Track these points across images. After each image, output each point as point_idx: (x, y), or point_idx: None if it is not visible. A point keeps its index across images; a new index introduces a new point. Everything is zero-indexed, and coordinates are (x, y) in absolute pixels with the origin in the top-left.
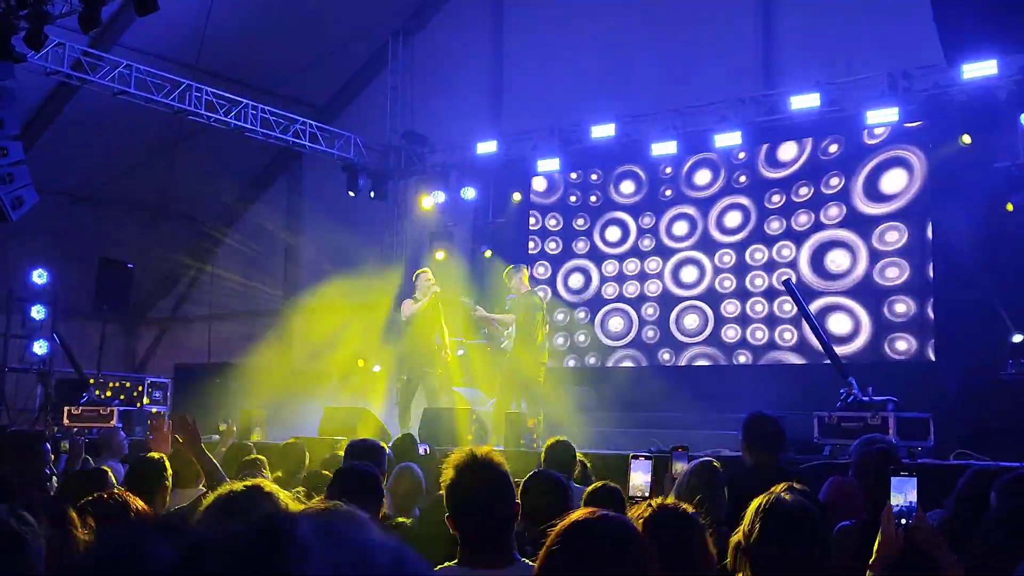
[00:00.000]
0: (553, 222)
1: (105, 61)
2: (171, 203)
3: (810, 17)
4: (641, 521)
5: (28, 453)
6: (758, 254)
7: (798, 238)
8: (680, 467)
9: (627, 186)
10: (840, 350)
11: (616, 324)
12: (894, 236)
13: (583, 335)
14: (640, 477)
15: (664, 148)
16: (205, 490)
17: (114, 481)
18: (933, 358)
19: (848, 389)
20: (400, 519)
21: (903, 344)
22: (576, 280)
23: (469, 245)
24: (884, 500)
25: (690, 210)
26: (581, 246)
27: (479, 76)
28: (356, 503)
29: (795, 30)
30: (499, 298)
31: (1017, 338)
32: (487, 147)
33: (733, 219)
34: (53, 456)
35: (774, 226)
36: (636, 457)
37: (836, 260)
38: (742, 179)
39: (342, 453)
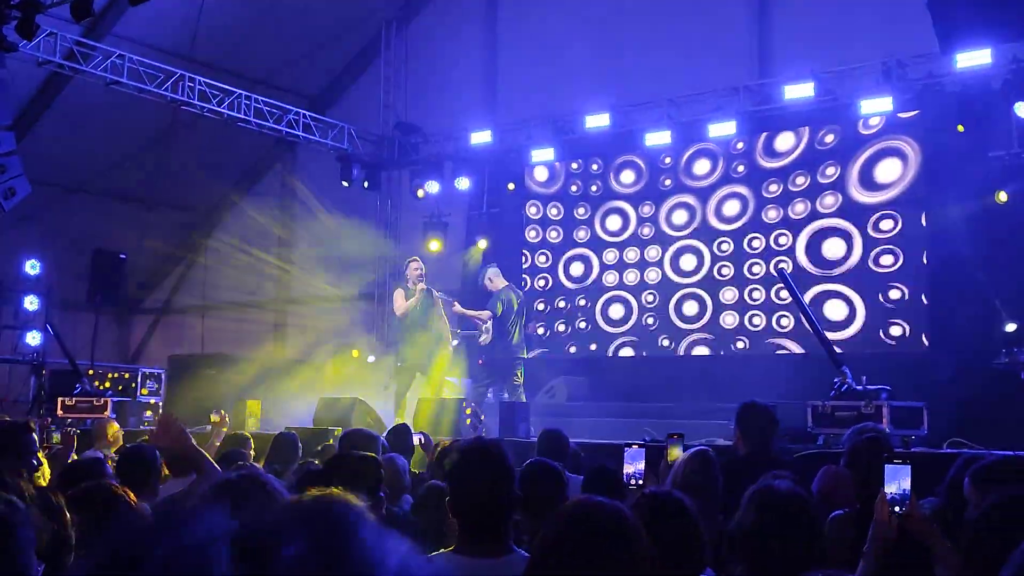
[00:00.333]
0: (555, 211)
1: (98, 51)
2: (164, 193)
3: (804, 6)
4: (635, 510)
5: (13, 444)
6: (756, 242)
7: (795, 226)
8: (676, 455)
9: (627, 176)
10: (836, 336)
11: (617, 311)
12: (889, 224)
13: (583, 322)
14: (634, 466)
15: (658, 138)
16: (195, 476)
17: (111, 471)
18: (927, 343)
19: (842, 378)
20: (393, 508)
21: (897, 330)
22: (577, 268)
23: (463, 235)
24: (877, 488)
25: (689, 199)
26: (582, 235)
27: (473, 66)
28: (355, 490)
29: (789, 19)
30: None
31: (1010, 327)
32: (481, 137)
33: (731, 208)
34: (46, 447)
35: (771, 215)
36: (630, 446)
37: (832, 248)
38: (740, 169)
39: (335, 443)
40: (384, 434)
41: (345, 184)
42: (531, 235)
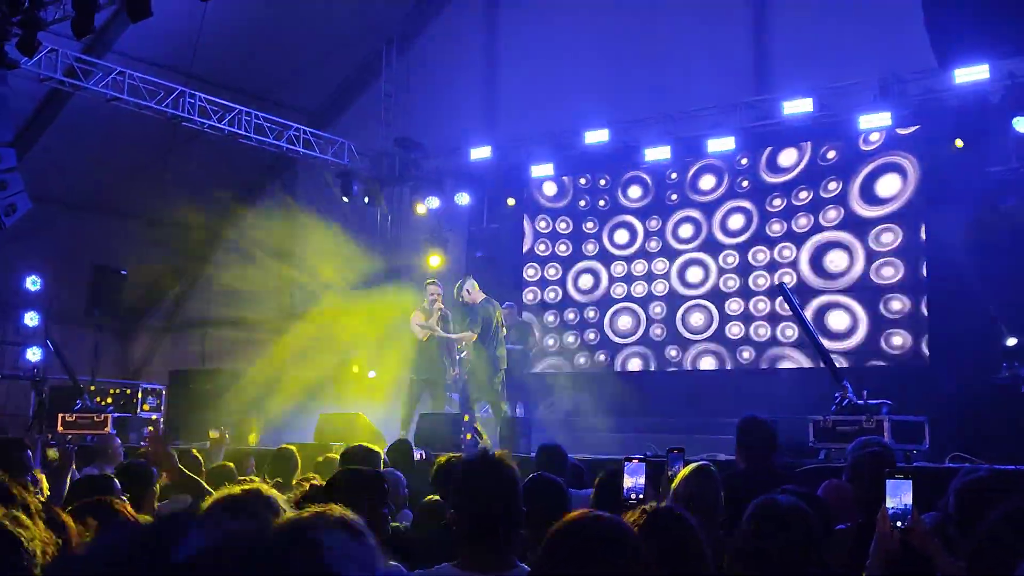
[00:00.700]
0: (563, 225)
1: (98, 67)
2: (165, 209)
3: (802, 22)
4: (635, 524)
5: (7, 460)
6: (760, 255)
7: (798, 240)
8: (677, 470)
9: (634, 191)
10: (839, 345)
11: (625, 322)
12: (889, 237)
13: (592, 333)
14: (635, 480)
15: (658, 153)
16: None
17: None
18: (927, 352)
19: (843, 393)
20: (393, 524)
21: (898, 339)
22: (586, 281)
23: (463, 250)
24: (879, 503)
25: (695, 213)
26: (591, 248)
27: (473, 82)
28: (357, 506)
29: (787, 35)
30: None
31: (1011, 342)
32: (481, 153)
33: (736, 222)
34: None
35: (775, 228)
36: (630, 460)
37: (835, 260)
38: (744, 184)
39: (335, 457)
40: (385, 449)
41: (345, 200)
42: (541, 248)
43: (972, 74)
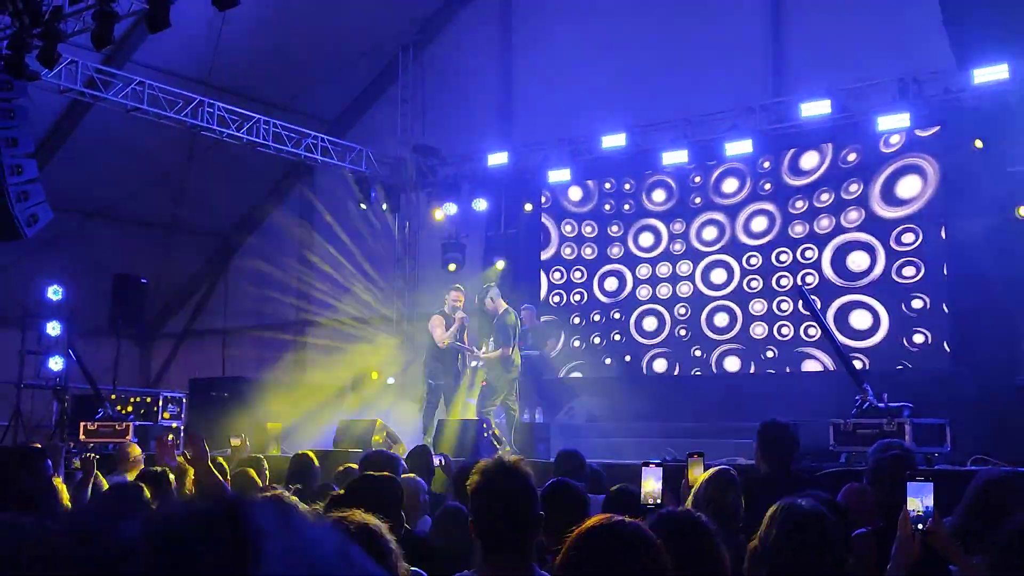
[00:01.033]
0: (589, 229)
1: (118, 78)
2: (185, 218)
3: (819, 24)
4: (653, 529)
5: (26, 469)
6: (783, 256)
7: (821, 241)
8: (696, 474)
9: (658, 195)
10: (862, 343)
11: (650, 324)
12: (910, 238)
13: (618, 335)
14: (652, 485)
15: (675, 157)
16: None
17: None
18: (948, 351)
19: (863, 396)
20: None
21: (920, 337)
22: (611, 283)
23: (481, 256)
24: (900, 506)
25: (719, 216)
26: (616, 251)
27: (489, 88)
28: (377, 512)
29: (804, 37)
30: None
31: None
32: (498, 158)
33: (759, 224)
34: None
35: (798, 230)
36: (647, 465)
37: (856, 260)
38: (767, 187)
39: (355, 466)
40: (404, 456)
41: (363, 207)
42: (566, 252)
43: (991, 74)
